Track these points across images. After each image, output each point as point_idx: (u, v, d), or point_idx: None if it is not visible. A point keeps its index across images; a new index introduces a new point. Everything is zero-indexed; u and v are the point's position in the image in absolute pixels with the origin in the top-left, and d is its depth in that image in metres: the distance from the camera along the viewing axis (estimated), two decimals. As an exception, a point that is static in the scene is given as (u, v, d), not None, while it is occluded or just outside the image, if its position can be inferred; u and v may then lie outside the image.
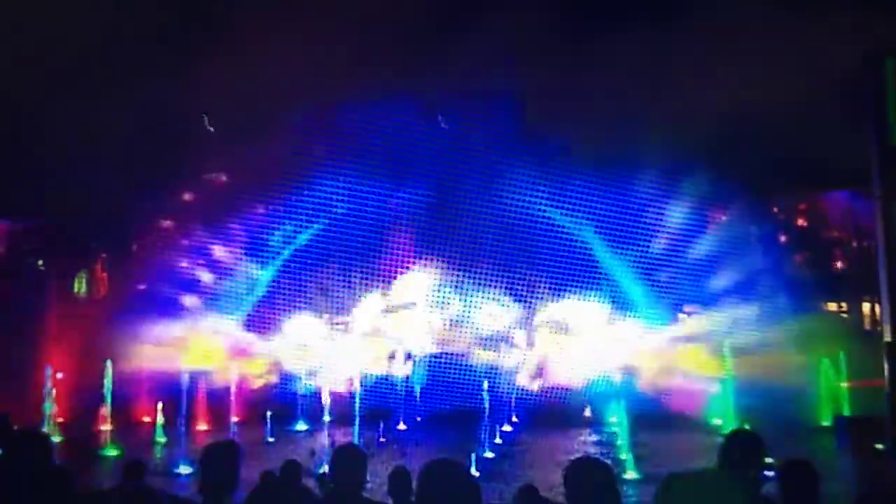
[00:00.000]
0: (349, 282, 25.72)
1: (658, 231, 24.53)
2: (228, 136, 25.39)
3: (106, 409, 21.32)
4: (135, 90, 24.02)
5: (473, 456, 15.59)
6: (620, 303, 25.09)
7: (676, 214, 24.51)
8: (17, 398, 19.74)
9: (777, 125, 23.69)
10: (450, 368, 24.40)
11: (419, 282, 25.66)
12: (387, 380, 24.76)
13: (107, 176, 22.33)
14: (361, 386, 22.43)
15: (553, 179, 23.95)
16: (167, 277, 25.55)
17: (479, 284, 24.85)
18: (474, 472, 13.90)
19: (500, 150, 24.22)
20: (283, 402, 23.18)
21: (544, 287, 25.07)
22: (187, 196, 27.38)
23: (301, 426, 22.60)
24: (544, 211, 24.32)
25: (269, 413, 20.75)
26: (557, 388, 24.51)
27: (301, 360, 25.02)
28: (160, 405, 20.58)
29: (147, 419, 22.17)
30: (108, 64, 24.80)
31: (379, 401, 22.92)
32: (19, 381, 20.79)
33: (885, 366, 16.31)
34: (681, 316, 25.44)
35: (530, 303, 25.56)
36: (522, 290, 25.25)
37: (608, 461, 6.98)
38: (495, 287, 24.99)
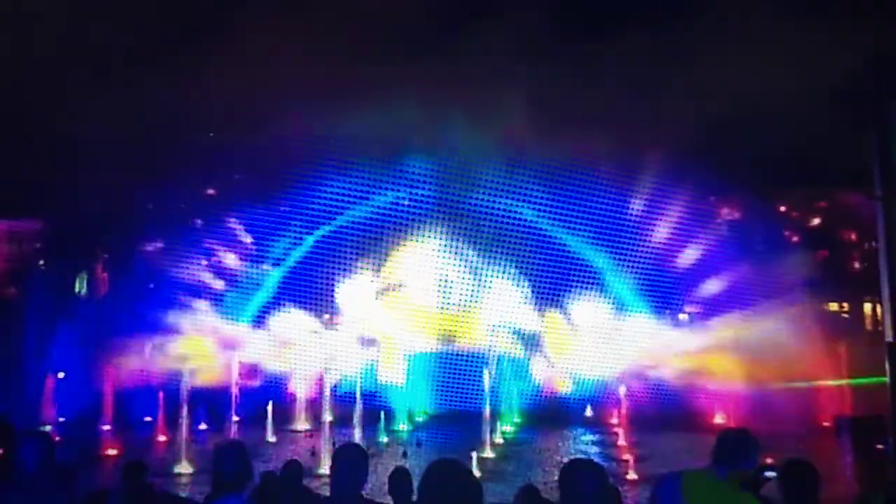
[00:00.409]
0: (345, 278, 25.70)
1: (658, 231, 24.52)
2: (228, 136, 25.40)
3: (107, 409, 21.34)
4: (134, 90, 24.03)
5: (474, 456, 15.60)
6: (621, 303, 25.08)
7: (674, 213, 24.50)
8: (18, 398, 19.79)
9: (781, 124, 23.63)
10: (450, 368, 24.37)
11: (419, 278, 25.62)
12: (387, 379, 24.76)
13: (108, 176, 22.35)
14: (362, 385, 22.43)
15: (568, 179, 23.83)
16: (167, 278, 25.55)
17: (481, 284, 24.85)
18: (475, 472, 13.89)
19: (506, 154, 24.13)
20: (283, 402, 23.20)
21: (547, 286, 25.05)
22: (187, 195, 27.40)
23: (302, 425, 22.59)
24: (546, 211, 24.31)
25: (269, 412, 20.78)
26: (558, 388, 24.52)
27: (301, 361, 25.02)
28: (161, 405, 20.60)
29: (148, 419, 22.20)
30: (108, 64, 24.82)
31: (379, 400, 22.93)
32: (21, 380, 20.82)
33: (887, 366, 16.28)
34: (681, 317, 25.43)
35: (533, 302, 25.55)
36: (524, 289, 25.25)
37: (603, 463, 7.00)
38: (496, 287, 24.99)
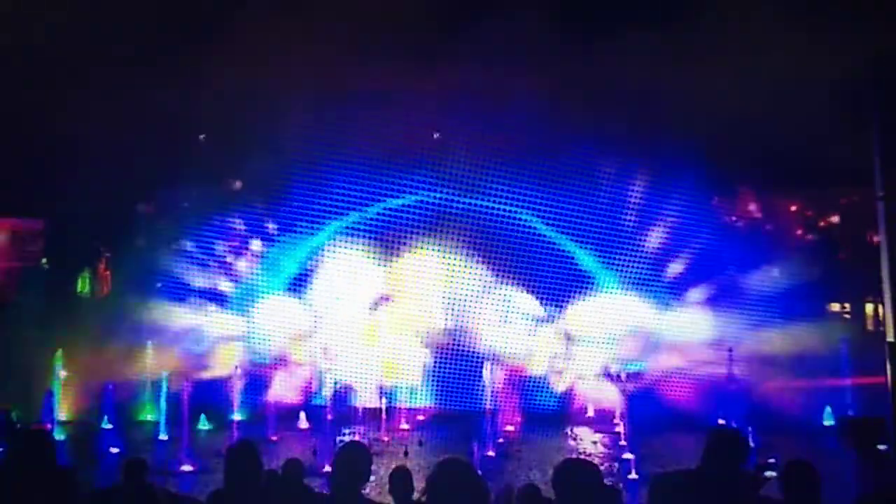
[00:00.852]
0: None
1: (658, 228, 24.55)
2: (228, 136, 25.39)
3: (108, 408, 21.37)
4: (135, 90, 24.01)
5: (475, 455, 15.59)
6: (621, 302, 25.07)
7: (674, 213, 24.51)
8: (20, 397, 19.84)
9: (783, 124, 23.60)
10: (450, 368, 24.38)
11: (421, 276, 25.59)
12: (386, 379, 24.75)
13: (109, 175, 22.36)
14: (361, 386, 22.45)
15: (568, 179, 23.83)
16: (170, 276, 25.53)
17: (482, 283, 24.84)
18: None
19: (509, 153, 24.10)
20: (284, 402, 23.20)
21: (547, 286, 25.04)
22: (187, 196, 27.35)
23: (303, 424, 22.59)
24: (546, 211, 24.31)
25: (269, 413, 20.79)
26: (559, 388, 24.52)
27: (306, 359, 25.04)
28: (162, 404, 20.62)
29: (149, 417, 22.23)
30: (108, 64, 24.79)
31: (380, 399, 22.93)
32: (23, 380, 20.85)
33: (888, 366, 16.28)
34: (681, 316, 25.38)
35: (532, 302, 25.54)
36: (526, 288, 25.25)
37: (603, 463, 7.01)
38: (498, 286, 24.99)
